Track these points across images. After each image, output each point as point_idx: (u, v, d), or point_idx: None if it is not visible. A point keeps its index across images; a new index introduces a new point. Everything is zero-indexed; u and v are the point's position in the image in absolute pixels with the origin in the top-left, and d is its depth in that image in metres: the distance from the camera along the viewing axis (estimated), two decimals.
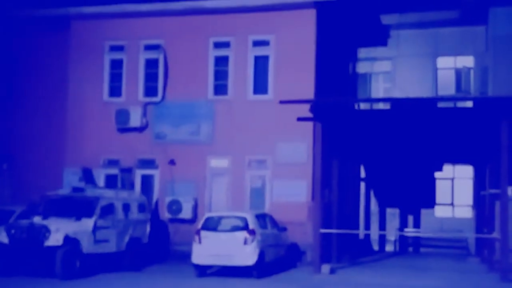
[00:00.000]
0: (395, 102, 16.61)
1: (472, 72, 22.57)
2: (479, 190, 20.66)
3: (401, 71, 22.89)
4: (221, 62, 19.08)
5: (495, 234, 16.17)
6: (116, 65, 19.94)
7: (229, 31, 18.93)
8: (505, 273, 14.47)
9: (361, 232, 22.26)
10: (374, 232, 22.95)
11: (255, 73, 18.76)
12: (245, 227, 14.88)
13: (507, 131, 14.54)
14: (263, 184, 18.52)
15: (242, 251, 14.66)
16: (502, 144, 14.62)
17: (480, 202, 20.54)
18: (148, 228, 17.17)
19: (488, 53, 20.55)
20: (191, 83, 19.13)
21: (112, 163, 19.44)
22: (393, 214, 23.53)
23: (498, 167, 15.08)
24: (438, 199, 23.40)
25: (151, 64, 19.60)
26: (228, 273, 15.20)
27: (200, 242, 14.96)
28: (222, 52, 19.06)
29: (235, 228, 15.00)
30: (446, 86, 22.85)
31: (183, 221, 18.51)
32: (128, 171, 19.10)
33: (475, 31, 21.72)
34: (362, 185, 23.25)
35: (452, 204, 23.58)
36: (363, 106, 21.39)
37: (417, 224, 23.30)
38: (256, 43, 18.78)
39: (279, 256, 16.36)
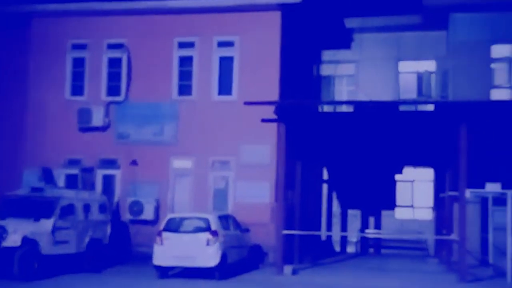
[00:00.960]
0: (358, 105, 16.79)
1: (433, 76, 22.97)
2: (438, 193, 21.02)
3: (364, 74, 23.13)
4: (185, 62, 19.00)
5: (454, 236, 16.49)
6: (79, 63, 19.68)
7: (194, 32, 18.87)
8: (462, 274, 14.76)
9: (323, 234, 22.42)
10: (336, 234, 23.13)
11: (220, 74, 18.74)
12: (208, 228, 14.83)
13: (466, 135, 14.84)
14: (226, 185, 18.50)
15: (205, 252, 14.60)
16: (461, 148, 14.91)
17: (439, 204, 20.91)
18: (108, 229, 16.95)
19: (449, 58, 20.94)
20: (155, 83, 18.99)
21: (73, 162, 19.15)
22: (354, 216, 23.75)
23: (457, 170, 15.38)
24: (399, 201, 23.71)
25: (114, 63, 19.39)
26: (190, 275, 15.12)
27: (162, 243, 14.85)
28: (186, 52, 18.98)
29: (197, 229, 14.93)
30: (408, 89, 23.19)
31: (145, 222, 18.36)
32: (89, 171, 18.85)
33: (436, 36, 22.11)
34: (325, 187, 23.43)
35: (412, 206, 23.91)
36: (326, 108, 21.55)
37: (378, 226, 23.57)
38: (221, 44, 18.76)
39: (241, 257, 16.35)
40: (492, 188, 15.18)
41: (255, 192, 18.02)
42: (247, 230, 16.79)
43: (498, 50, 20.01)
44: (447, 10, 20.01)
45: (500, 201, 16.09)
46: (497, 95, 19.49)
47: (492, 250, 16.94)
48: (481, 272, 16.11)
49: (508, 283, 14.66)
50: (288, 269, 15.54)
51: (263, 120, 16.30)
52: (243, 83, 18.43)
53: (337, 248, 23.25)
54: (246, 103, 15.55)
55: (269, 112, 15.91)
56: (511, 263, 14.81)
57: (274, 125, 16.61)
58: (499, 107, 15.28)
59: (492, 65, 19.86)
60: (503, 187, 15.16)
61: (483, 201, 17.77)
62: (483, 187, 15.30)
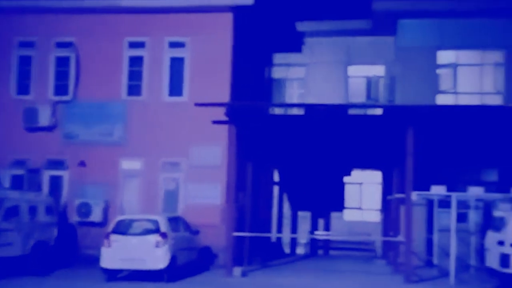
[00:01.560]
0: (309, 108, 16.95)
1: (381, 80, 23.41)
2: (386, 195, 21.40)
3: (314, 77, 23.37)
4: (135, 62, 18.81)
5: (400, 237, 16.82)
6: (26, 61, 19.23)
7: (145, 31, 18.71)
8: (408, 275, 15.07)
9: (274, 235, 22.54)
10: (286, 235, 23.28)
11: (171, 75, 18.64)
12: (157, 230, 14.71)
13: (412, 138, 15.17)
14: (176, 187, 18.40)
15: (154, 254, 14.48)
16: (407, 151, 15.23)
17: (387, 206, 21.28)
18: (55, 231, 16.60)
19: (397, 63, 21.37)
20: (104, 83, 18.73)
21: (19, 163, 18.71)
22: (304, 218, 23.94)
23: (404, 172, 15.71)
24: (348, 203, 24.03)
25: (62, 62, 19.03)
26: (138, 277, 14.95)
27: (110, 245, 14.64)
28: (137, 52, 18.80)
29: (146, 231, 14.79)
30: (357, 93, 23.55)
31: (93, 224, 18.07)
32: (35, 171, 18.43)
33: (385, 41, 22.53)
34: (276, 188, 23.55)
35: (360, 208, 24.28)
36: (278, 111, 21.67)
37: (327, 227, 23.83)
38: (172, 45, 18.65)
39: (191, 259, 16.28)
40: (437, 190, 15.54)
41: (205, 194, 17.99)
42: (197, 232, 16.74)
43: (444, 56, 20.53)
44: (396, 16, 20.40)
45: (445, 203, 16.51)
46: (442, 100, 20.00)
47: (437, 251, 17.35)
48: (426, 273, 16.49)
49: (451, 284, 15.05)
50: (237, 271, 15.56)
51: (214, 122, 16.29)
52: (194, 84, 18.37)
53: (287, 249, 23.39)
54: (196, 104, 15.52)
55: (220, 113, 15.91)
56: (454, 264, 15.22)
57: (225, 127, 16.60)
58: (444, 112, 15.68)
59: (438, 71, 20.37)
60: (447, 190, 15.56)
61: (429, 203, 18.17)
62: (428, 189, 15.65)
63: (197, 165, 18.12)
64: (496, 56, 20.50)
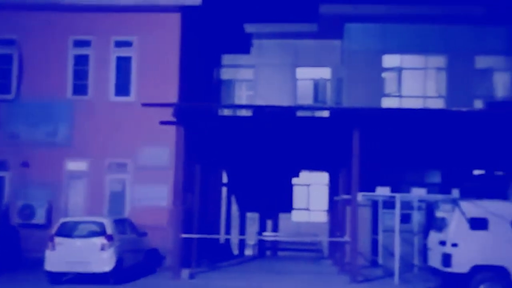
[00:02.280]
0: (257, 110, 17.01)
1: (328, 83, 23.72)
2: (333, 196, 21.67)
3: (263, 79, 23.47)
4: (81, 61, 18.46)
5: (346, 238, 17.06)
6: None
7: (91, 30, 18.38)
8: (354, 275, 15.30)
9: (222, 237, 22.49)
10: (235, 237, 23.27)
11: (117, 74, 18.37)
12: (103, 233, 14.49)
13: (358, 140, 15.41)
14: (123, 188, 18.15)
15: (99, 257, 14.26)
16: (353, 153, 15.46)
17: (333, 207, 21.55)
18: None
19: (343, 66, 21.68)
20: (48, 82, 18.31)
21: None
22: (253, 219, 23.99)
23: (350, 174, 15.94)
24: (295, 204, 24.21)
25: (4, 60, 18.50)
26: (84, 280, 14.69)
27: (54, 248, 14.33)
28: (82, 51, 18.46)
29: (92, 234, 14.55)
30: (305, 95, 23.78)
31: (36, 226, 17.63)
32: None
33: (332, 45, 22.83)
34: (224, 190, 23.52)
35: (308, 209, 24.50)
36: (226, 112, 21.66)
37: (275, 228, 23.95)
38: (119, 44, 18.39)
39: (138, 261, 16.09)
40: (382, 191, 15.82)
41: (153, 195, 17.83)
42: (144, 234, 16.56)
43: (389, 60, 20.96)
44: (342, 20, 20.71)
45: (389, 204, 16.84)
46: (388, 103, 20.41)
47: (381, 251, 17.67)
48: (372, 273, 16.79)
49: (395, 283, 15.36)
50: (185, 273, 15.48)
51: (162, 123, 16.15)
52: (141, 84, 18.17)
53: (236, 251, 23.39)
54: (143, 104, 15.35)
55: (168, 114, 15.77)
56: (398, 263, 15.54)
57: (173, 128, 16.48)
58: (389, 115, 15.99)
59: (383, 74, 20.77)
60: (392, 191, 15.87)
61: (374, 204, 18.51)
62: (374, 190, 15.93)
63: (145, 166, 17.93)
64: (438, 60, 21.07)
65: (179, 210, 15.74)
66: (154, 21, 18.22)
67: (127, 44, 18.41)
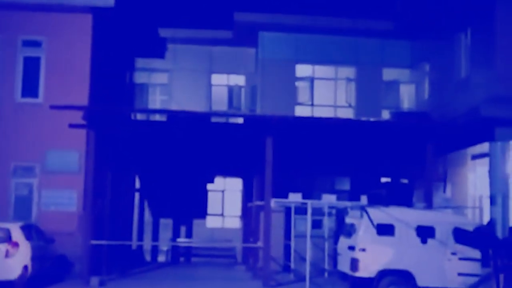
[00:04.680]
0: (171, 115, 16.90)
1: (243, 90, 23.93)
2: (247, 202, 21.84)
3: (177, 84, 23.36)
4: None
5: (259, 243, 17.23)
6: None
7: None
8: (266, 280, 15.48)
9: (134, 243, 22.12)
10: (147, 243, 22.95)
11: (24, 75, 17.65)
12: (8, 239, 13.90)
13: (271, 147, 15.64)
14: (30, 193, 17.46)
15: (4, 264, 13.67)
16: (267, 159, 15.68)
17: (247, 213, 21.72)
18: None
19: (257, 74, 21.98)
20: None
21: None
22: (166, 225, 23.76)
23: (263, 180, 16.13)
24: (210, 210, 24.22)
25: None
26: None
27: None
28: None
29: None
30: (220, 102, 23.90)
31: None
32: None
33: (246, 52, 23.08)
34: (137, 195, 23.16)
35: (222, 214, 24.56)
36: (140, 116, 21.38)
37: (189, 234, 23.84)
38: (26, 44, 17.68)
39: (45, 269, 15.54)
40: (294, 198, 16.09)
41: (62, 201, 17.28)
42: (52, 241, 16.02)
43: (302, 70, 21.45)
44: (257, 28, 21.03)
45: (301, 210, 17.15)
46: (300, 111, 20.86)
47: (294, 257, 17.97)
48: (284, 278, 17.04)
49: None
50: (94, 280, 15.13)
51: (71, 126, 15.75)
52: (50, 86, 17.56)
53: (148, 257, 23.07)
54: (52, 107, 14.91)
55: (79, 117, 15.38)
56: (309, 268, 15.84)
57: (84, 131, 16.08)
58: (301, 123, 16.35)
59: (297, 83, 21.23)
60: (304, 197, 16.18)
61: (287, 210, 18.80)
62: (286, 197, 16.18)
63: (53, 170, 17.35)
64: (348, 71, 21.79)
65: (89, 215, 15.38)
66: (65, 21, 17.67)
67: (36, 44, 17.75)
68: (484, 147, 16.62)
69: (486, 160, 16.63)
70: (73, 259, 16.76)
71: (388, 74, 22.20)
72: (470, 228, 14.02)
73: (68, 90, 17.26)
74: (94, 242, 15.50)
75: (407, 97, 22.77)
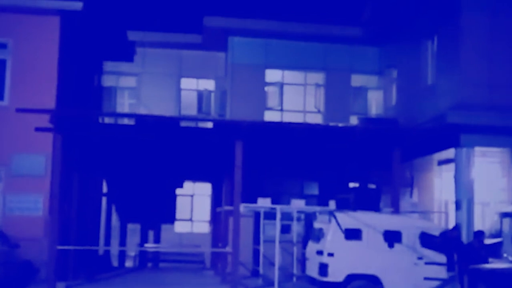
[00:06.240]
0: (140, 119, 16.77)
1: (212, 95, 23.90)
2: (216, 207, 21.79)
3: (146, 88, 23.21)
4: None
5: (228, 248, 17.19)
6: None
7: None
8: (235, 285, 15.44)
9: (101, 248, 21.87)
10: (114, 248, 22.71)
11: None
12: None
13: (241, 152, 15.63)
14: None
15: None
16: (236, 164, 15.65)
17: (216, 218, 21.67)
18: None
19: (227, 79, 21.98)
20: None
21: None
22: (134, 230, 23.56)
23: (233, 185, 16.11)
24: (178, 214, 24.10)
25: None
26: None
27: None
28: None
29: None
30: (189, 106, 23.83)
31: None
32: None
33: (216, 57, 23.09)
34: (104, 200, 22.91)
35: (191, 219, 24.46)
36: (108, 120, 21.17)
37: (157, 240, 23.67)
38: None
39: (10, 275, 15.23)
40: (263, 203, 16.10)
41: (27, 205, 17.01)
42: (16, 246, 15.71)
43: (271, 75, 21.53)
44: (226, 33, 21.05)
45: (270, 215, 17.18)
46: (270, 116, 20.92)
47: (262, 261, 17.98)
48: (253, 282, 17.05)
49: None
50: (60, 286, 15.02)
51: (37, 129, 15.50)
52: (16, 89, 17.27)
53: (115, 262, 22.83)
54: (18, 110, 14.66)
55: (45, 120, 15.16)
56: (278, 273, 15.86)
57: (50, 134, 15.84)
58: (270, 128, 16.39)
59: (266, 88, 21.29)
60: (273, 202, 16.21)
61: (256, 215, 18.82)
62: (255, 201, 16.19)
63: (19, 174, 17.05)
64: (317, 77, 21.96)
65: (55, 220, 15.14)
66: (32, 23, 17.41)
67: (2, 46, 17.45)
68: (449, 153, 16.90)
69: (451, 166, 16.91)
70: (38, 265, 16.48)
71: (357, 80, 22.45)
72: (436, 233, 14.23)
73: (35, 93, 17.01)
74: (60, 247, 15.26)
75: (375, 103, 23.04)
